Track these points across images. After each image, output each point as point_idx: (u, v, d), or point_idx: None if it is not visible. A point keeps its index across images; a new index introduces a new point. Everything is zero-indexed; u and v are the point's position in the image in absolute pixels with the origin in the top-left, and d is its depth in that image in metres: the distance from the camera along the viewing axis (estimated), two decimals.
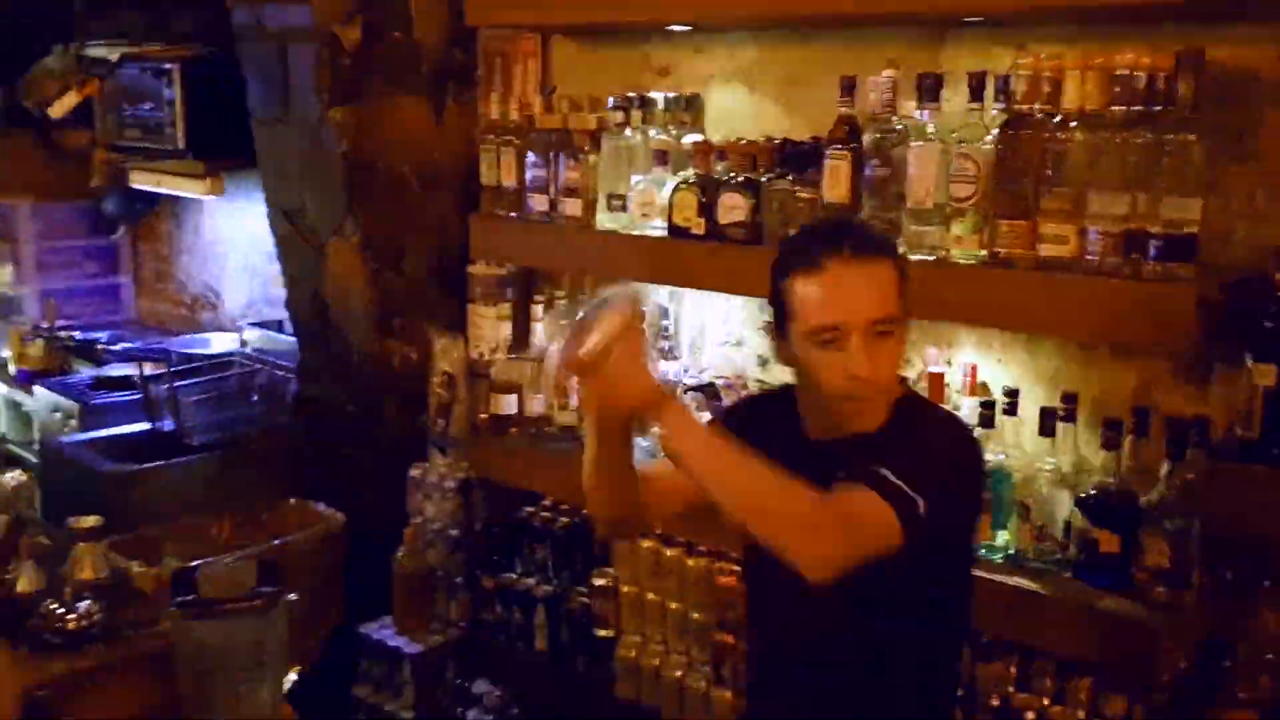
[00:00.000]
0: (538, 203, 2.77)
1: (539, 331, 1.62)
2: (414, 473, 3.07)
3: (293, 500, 3.12)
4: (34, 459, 3.88)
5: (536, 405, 2.93)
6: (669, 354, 2.89)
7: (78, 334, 4.43)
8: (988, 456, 2.14)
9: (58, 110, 3.56)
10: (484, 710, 2.89)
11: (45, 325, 4.42)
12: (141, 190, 4.18)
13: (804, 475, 1.58)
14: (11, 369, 4.34)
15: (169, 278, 4.70)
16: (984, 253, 2.08)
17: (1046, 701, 2.11)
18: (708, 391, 2.75)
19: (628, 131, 2.62)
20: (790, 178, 2.34)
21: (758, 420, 1.87)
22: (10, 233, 4.68)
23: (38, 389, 3.99)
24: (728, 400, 2.74)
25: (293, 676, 1.36)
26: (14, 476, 3.10)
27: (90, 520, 1.79)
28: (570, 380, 1.61)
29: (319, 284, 3.13)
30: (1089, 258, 1.95)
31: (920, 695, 1.80)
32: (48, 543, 1.78)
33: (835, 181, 2.22)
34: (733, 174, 2.42)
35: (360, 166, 2.96)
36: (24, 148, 4.48)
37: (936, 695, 1.85)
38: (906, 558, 1.57)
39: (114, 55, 3.78)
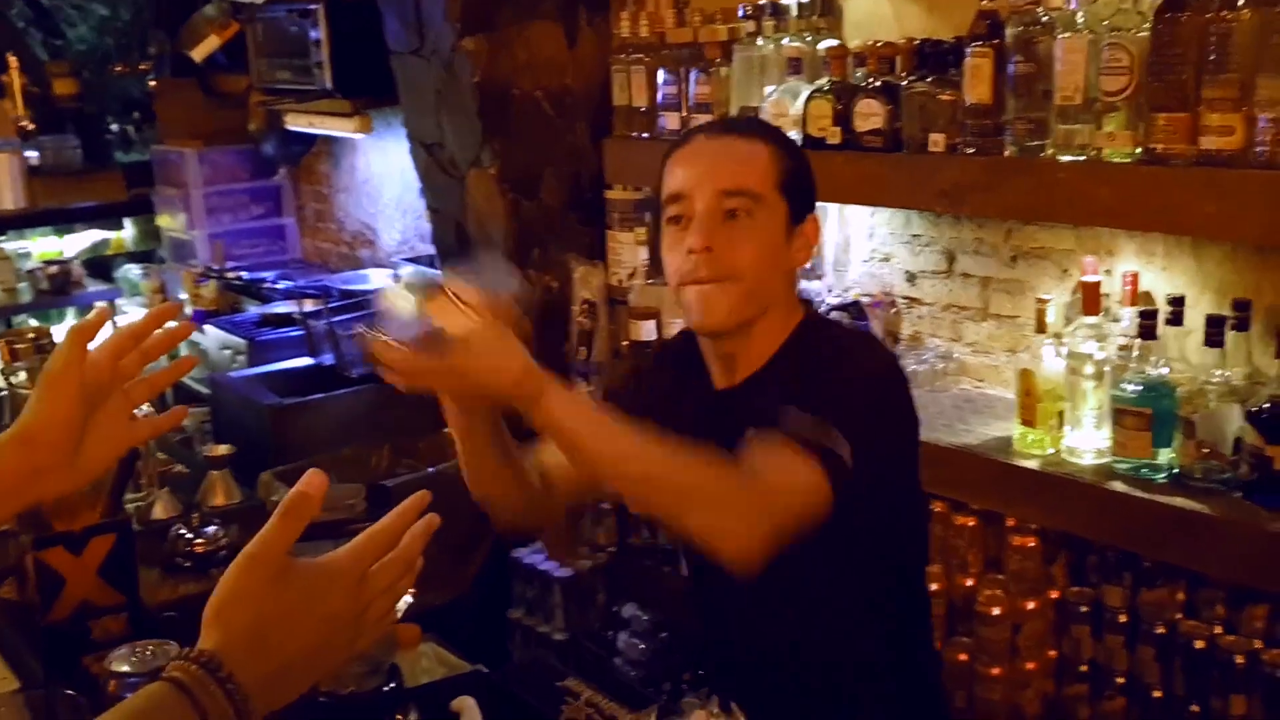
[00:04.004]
0: (670, 121, 2.71)
1: (381, 302, 1.35)
2: None
3: (447, 430, 3.16)
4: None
5: (676, 330, 2.88)
6: (811, 273, 2.80)
7: (246, 274, 4.60)
8: (1148, 370, 2.00)
9: (199, 54, 3.66)
10: (633, 634, 2.90)
11: (215, 267, 4.61)
12: (297, 132, 4.28)
13: (717, 430, 1.42)
14: (187, 310, 4.55)
15: (328, 217, 4.82)
16: (1139, 150, 1.92)
17: (1218, 630, 1.98)
18: (852, 311, 2.65)
19: (760, 41, 2.52)
20: (930, 80, 2.21)
21: (660, 375, 1.70)
22: (180, 179, 4.87)
23: (209, 327, 4.17)
24: (872, 321, 2.66)
25: (407, 599, 1.36)
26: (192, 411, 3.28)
27: (222, 449, 1.85)
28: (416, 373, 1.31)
29: (460, 216, 3.15)
30: (1258, 150, 1.77)
31: (891, 635, 1.62)
32: (185, 470, 1.85)
33: (976, 81, 2.08)
34: (869, 79, 2.31)
35: (494, 95, 2.95)
36: (188, 96, 4.66)
37: (908, 628, 1.68)
38: (841, 512, 1.38)
39: None
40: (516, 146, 2.99)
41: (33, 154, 5.42)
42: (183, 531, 1.70)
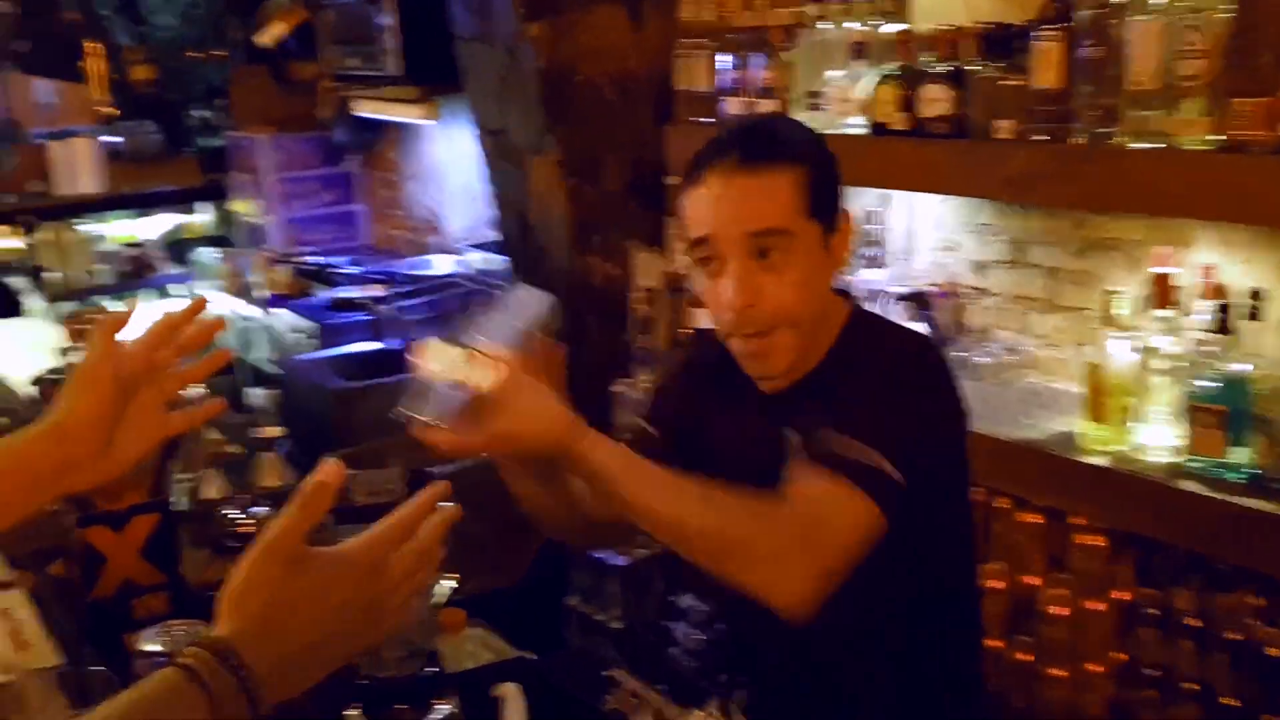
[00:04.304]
0: (732, 106, 2.67)
1: (415, 376, 1.29)
2: (617, 388, 3.07)
3: None
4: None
5: None
6: (876, 262, 2.75)
7: (318, 259, 4.66)
8: (1224, 366, 1.93)
9: (267, 39, 3.69)
10: (689, 624, 2.88)
11: (288, 252, 4.67)
12: (367, 119, 4.32)
13: (764, 438, 1.39)
14: (262, 293, 4.62)
15: (397, 203, 4.86)
16: (1216, 137, 1.84)
17: None
18: (918, 301, 2.60)
19: (824, 25, 2.47)
20: (997, 65, 2.15)
21: (706, 380, 1.61)
22: (253, 165, 4.94)
23: (281, 311, 4.23)
24: (938, 312, 2.61)
25: (450, 584, 1.36)
26: (259, 393, 3.32)
27: (273, 431, 1.86)
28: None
29: (523, 203, 3.14)
30: None
31: (935, 643, 1.54)
32: (239, 451, 1.88)
33: (1045, 65, 2.02)
34: (936, 64, 2.25)
35: (557, 80, 2.94)
36: (261, 83, 4.72)
37: (955, 635, 1.59)
38: (895, 535, 1.32)
39: None
40: (578, 132, 2.98)
41: (116, 139, 5.55)
42: (230, 512, 1.71)
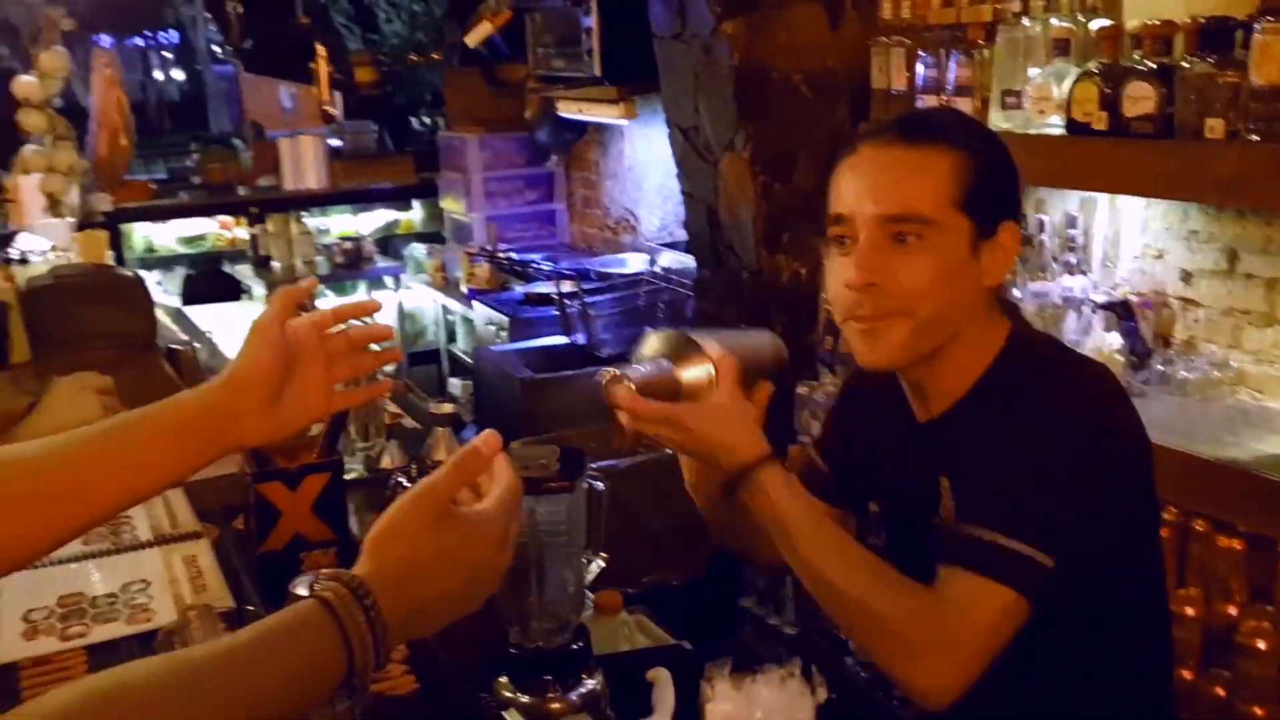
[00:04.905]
0: (928, 104, 2.61)
1: (647, 342, 1.34)
2: (802, 390, 3.03)
3: None
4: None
5: None
6: (1076, 268, 2.63)
7: (515, 255, 4.79)
8: None
9: (472, 40, 3.81)
10: None
11: (489, 248, 4.82)
12: (568, 120, 4.42)
13: (917, 469, 1.31)
14: (463, 288, 4.79)
15: (595, 203, 4.95)
16: None
17: None
18: (1120, 310, 2.48)
19: (1026, 20, 2.38)
20: (1211, 60, 2.02)
21: (867, 405, 1.53)
22: (461, 164, 5.12)
23: (477, 304, 4.37)
24: (1141, 322, 2.48)
25: (599, 563, 1.37)
26: (456, 383, 3.46)
27: (447, 407, 1.94)
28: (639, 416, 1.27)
29: (712, 200, 3.15)
30: None
31: (1127, 688, 1.40)
32: (417, 426, 1.96)
33: (1264, 60, 1.89)
34: (1143, 61, 2.13)
35: (751, 78, 2.93)
36: (473, 84, 4.89)
37: (1147, 682, 1.44)
38: (1048, 608, 1.24)
39: None
40: (771, 129, 2.97)
41: (338, 140, 5.87)
42: (402, 480, 1.79)
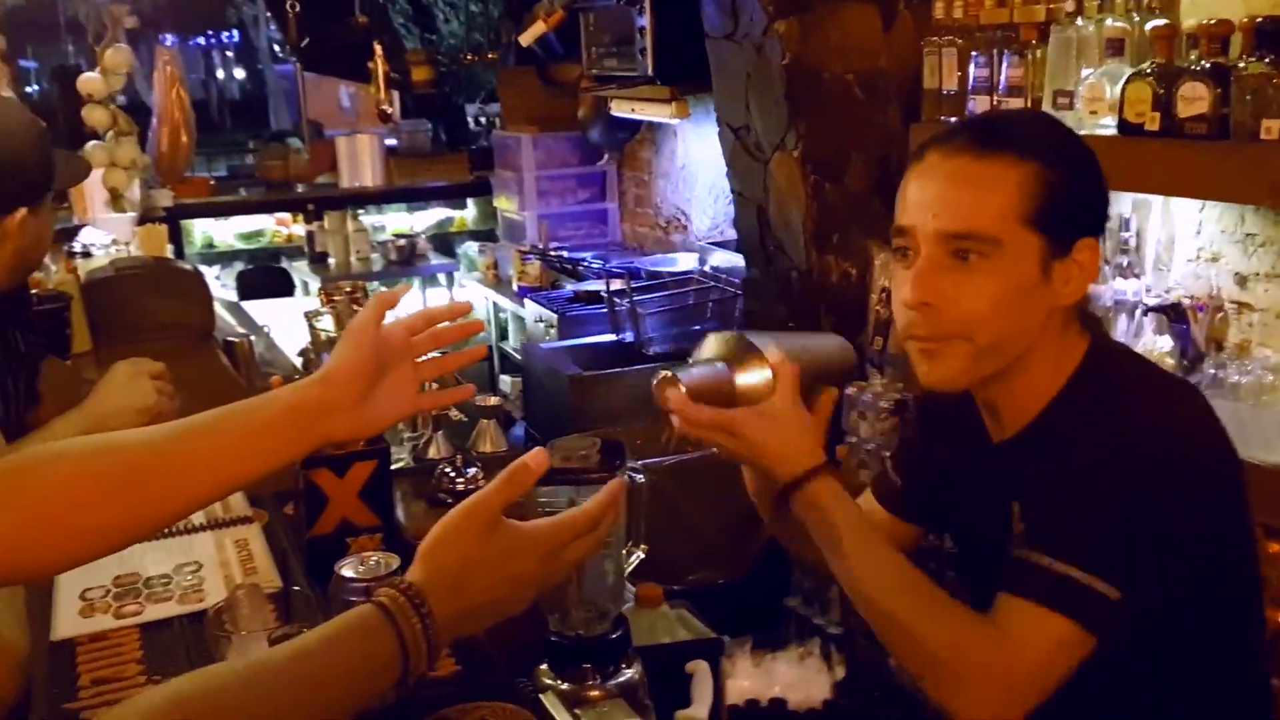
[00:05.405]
0: (980, 105, 2.59)
1: (707, 344, 1.33)
2: (850, 390, 3.02)
3: None
4: None
5: None
6: (1129, 271, 2.60)
7: (567, 253, 4.82)
8: None
9: (526, 39, 3.84)
10: None
11: (541, 246, 4.86)
12: (621, 119, 4.44)
13: (991, 490, 1.28)
14: (514, 285, 4.83)
15: (647, 202, 4.97)
16: None
17: None
18: (1172, 314, 2.45)
19: (1079, 20, 2.37)
20: (1269, 60, 2.00)
21: (943, 422, 1.48)
22: (515, 163, 5.16)
23: (528, 301, 4.41)
24: (1192, 325, 2.45)
25: (639, 554, 1.39)
26: (507, 380, 3.49)
27: (493, 400, 1.97)
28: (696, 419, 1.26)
29: (762, 200, 3.15)
30: None
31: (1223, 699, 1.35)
32: (463, 418, 2.00)
33: None
34: (1199, 61, 2.11)
35: (803, 77, 2.93)
36: (527, 83, 4.93)
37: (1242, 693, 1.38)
38: (1120, 641, 1.18)
39: None
40: (823, 129, 2.97)
41: (394, 139, 5.94)
42: (447, 470, 1.82)
